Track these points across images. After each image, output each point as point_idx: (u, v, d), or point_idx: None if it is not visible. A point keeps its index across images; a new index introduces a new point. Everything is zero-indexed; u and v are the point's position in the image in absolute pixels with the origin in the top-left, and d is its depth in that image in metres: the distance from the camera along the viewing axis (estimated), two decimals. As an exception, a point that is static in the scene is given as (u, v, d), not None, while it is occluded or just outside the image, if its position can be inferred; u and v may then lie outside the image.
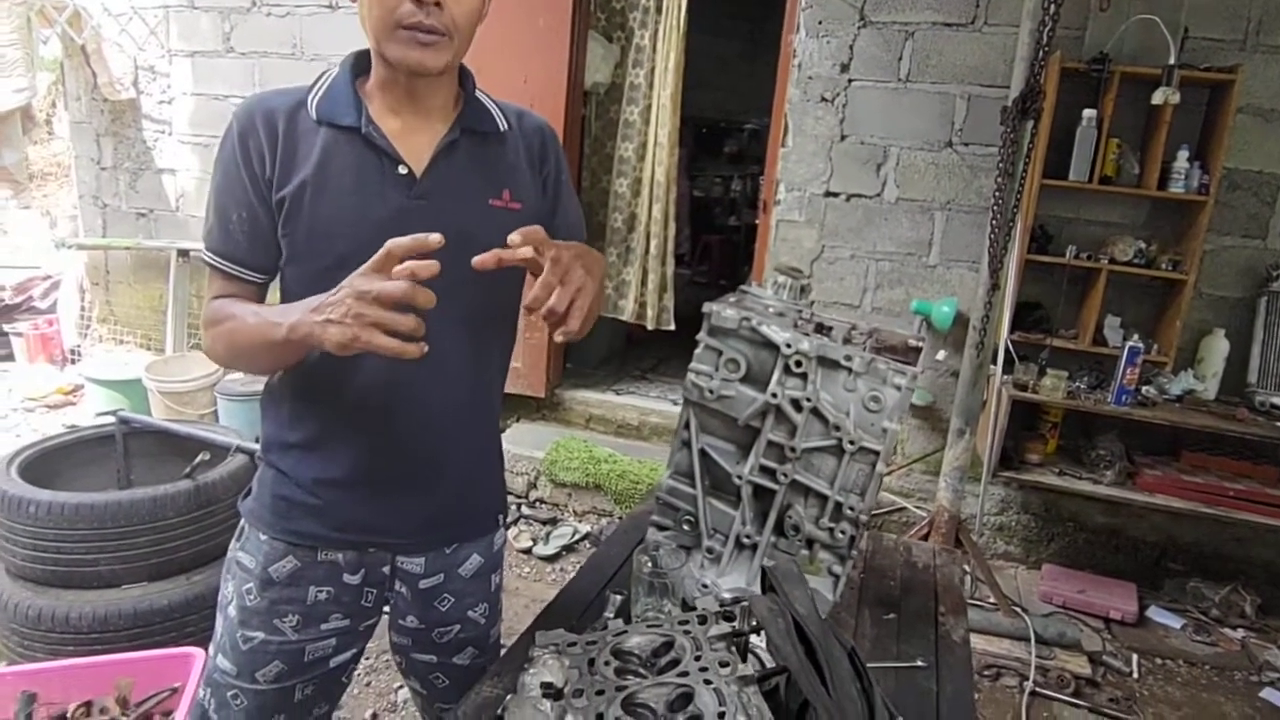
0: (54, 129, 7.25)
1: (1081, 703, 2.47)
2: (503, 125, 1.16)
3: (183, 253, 4.37)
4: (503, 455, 1.34)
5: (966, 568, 2.92)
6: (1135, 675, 2.64)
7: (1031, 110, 2.33)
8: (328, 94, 1.08)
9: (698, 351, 1.18)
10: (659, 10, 3.72)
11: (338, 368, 1.07)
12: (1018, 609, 2.81)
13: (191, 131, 4.43)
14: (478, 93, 1.17)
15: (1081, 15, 2.99)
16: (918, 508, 3.36)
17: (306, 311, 0.94)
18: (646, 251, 3.90)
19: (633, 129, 3.88)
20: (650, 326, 3.95)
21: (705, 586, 1.20)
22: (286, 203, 1.05)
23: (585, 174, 4.08)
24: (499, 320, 1.22)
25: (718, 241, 6.96)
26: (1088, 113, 2.91)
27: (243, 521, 1.22)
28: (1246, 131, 2.96)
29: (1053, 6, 2.16)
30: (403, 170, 1.07)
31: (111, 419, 2.55)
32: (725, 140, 7.24)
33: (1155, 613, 2.99)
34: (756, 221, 3.63)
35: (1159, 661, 2.74)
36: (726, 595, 1.19)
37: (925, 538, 2.76)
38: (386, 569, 1.22)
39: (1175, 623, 2.94)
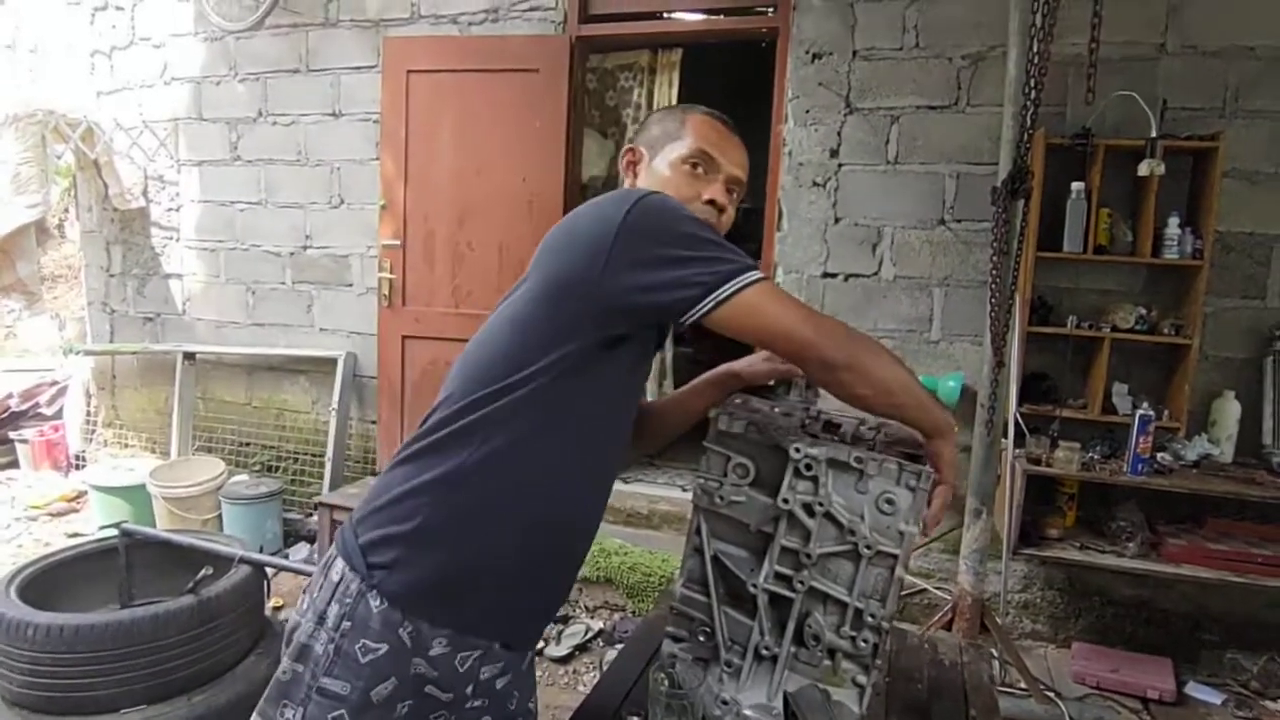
0: (65, 232, 7.43)
1: (1126, 794, 2.35)
2: None
3: (189, 355, 4.41)
4: None
5: (995, 652, 2.82)
6: (1181, 760, 2.52)
7: (1021, 190, 2.37)
8: None
9: (705, 458, 1.16)
10: (651, 106, 3.85)
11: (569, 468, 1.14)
12: (1051, 694, 2.70)
13: (198, 237, 4.53)
14: None
15: (1061, 93, 3.08)
16: (938, 588, 3.27)
17: (950, 424, 1.09)
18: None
19: (630, 219, 3.96)
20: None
21: (725, 703, 1.15)
22: None
23: (585, 263, 4.14)
24: None
25: (718, 320, 7.01)
26: (1076, 185, 2.96)
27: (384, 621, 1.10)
28: (1234, 195, 3.00)
29: (1033, 91, 2.23)
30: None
31: (114, 532, 2.52)
32: (722, 220, 7.41)
33: (1194, 689, 2.87)
34: (756, 303, 3.64)
35: (1203, 742, 2.62)
36: (749, 712, 1.14)
37: (949, 624, 2.67)
38: (488, 670, 1.18)
39: (1216, 699, 2.82)
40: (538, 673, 2.87)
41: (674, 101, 3.80)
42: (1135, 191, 3.02)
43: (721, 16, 3.64)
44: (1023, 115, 2.30)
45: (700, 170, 1.22)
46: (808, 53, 3.38)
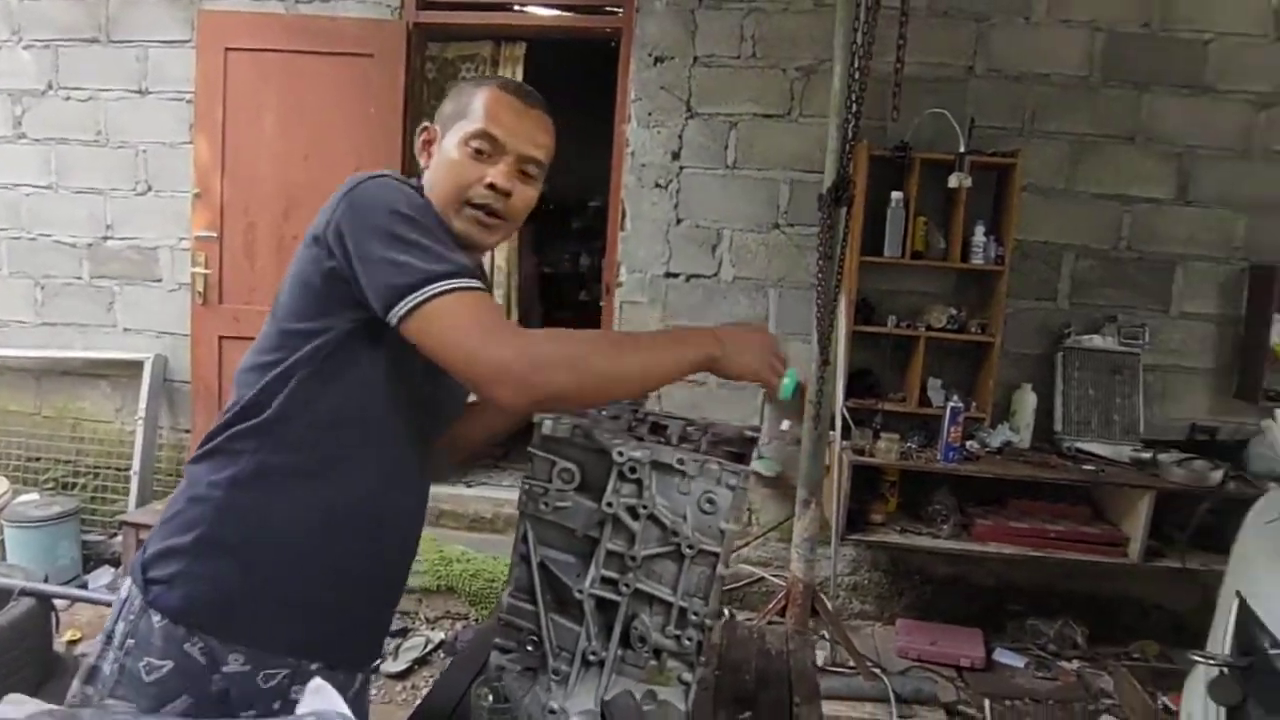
0: None
1: (943, 758, 2.54)
2: None
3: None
4: None
5: (825, 634, 2.97)
6: (988, 720, 2.75)
7: (843, 199, 2.50)
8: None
9: (530, 464, 1.13)
10: (493, 99, 3.76)
11: (344, 458, 1.09)
12: (876, 670, 2.87)
13: (-24, 224, 3.98)
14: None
15: (883, 107, 3.27)
16: (775, 576, 3.41)
17: (713, 340, 1.06)
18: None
19: (473, 214, 3.85)
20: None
21: (553, 712, 1.13)
22: None
23: (426, 259, 3.99)
24: None
25: (569, 318, 6.99)
26: (896, 194, 3.17)
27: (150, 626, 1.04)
28: (1031, 207, 3.32)
29: (854, 104, 2.35)
30: None
31: None
32: (571, 217, 7.37)
33: (1001, 654, 3.15)
34: (603, 302, 3.66)
35: (1009, 703, 2.87)
36: (576, 719, 1.12)
37: (783, 610, 2.79)
38: (278, 705, 1.09)
39: (1019, 662, 3.11)
40: (374, 691, 2.73)
41: (517, 96, 3.72)
42: (947, 202, 3.27)
43: (568, 13, 3.62)
44: (845, 127, 2.42)
45: (485, 151, 1.11)
46: (651, 55, 3.42)
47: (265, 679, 1.06)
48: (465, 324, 0.95)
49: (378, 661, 1.28)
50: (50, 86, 3.82)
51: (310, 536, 1.07)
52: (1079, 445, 3.24)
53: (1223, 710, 1.68)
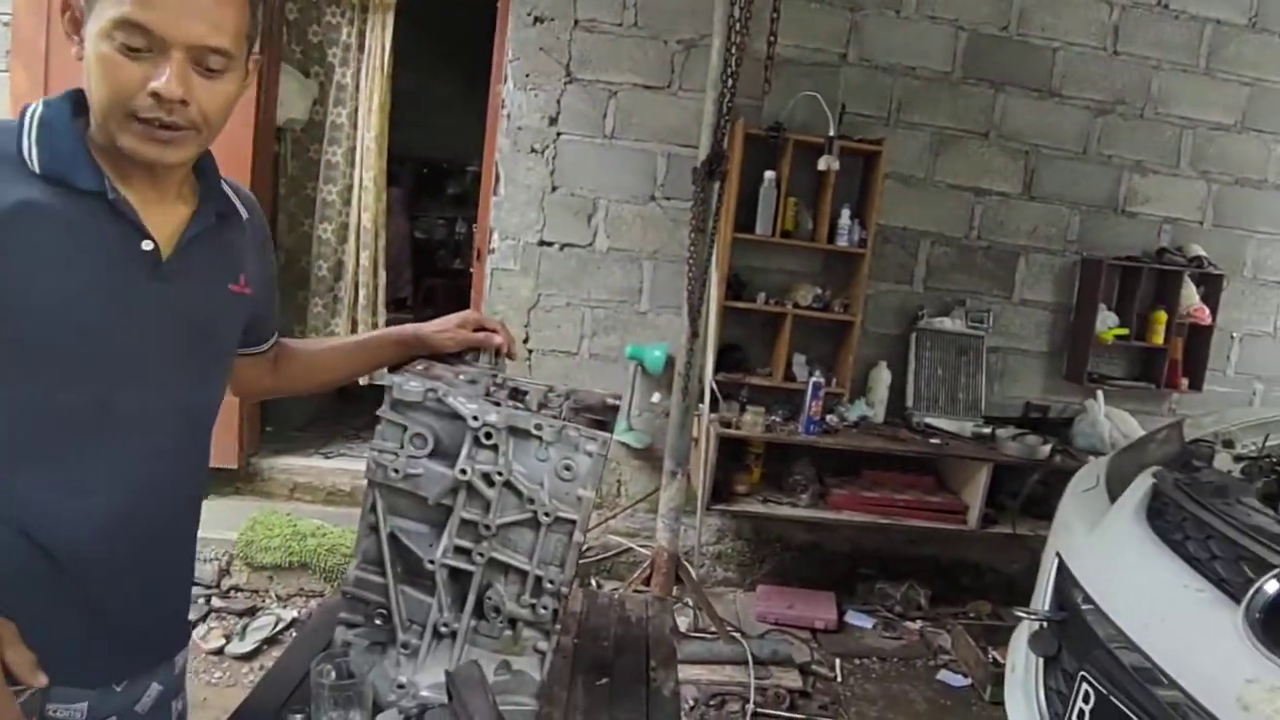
0: None
1: (797, 716, 2.65)
2: (244, 213, 1.09)
3: None
4: (194, 559, 1.16)
5: (689, 601, 3.04)
6: (839, 679, 2.90)
7: (717, 173, 2.53)
8: (48, 143, 0.88)
9: (380, 428, 1.07)
10: (361, 49, 3.54)
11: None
12: (736, 635, 2.97)
13: None
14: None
15: (759, 87, 3.33)
16: (642, 546, 3.45)
17: None
18: (355, 301, 3.66)
19: (336, 171, 3.64)
20: (362, 382, 3.67)
21: (401, 686, 1.08)
22: None
23: (282, 217, 3.74)
24: (214, 416, 1.10)
25: (441, 285, 6.78)
26: (768, 174, 3.24)
27: None
28: (893, 194, 3.48)
29: (730, 80, 2.37)
30: (148, 246, 0.92)
31: None
32: (448, 181, 7.12)
33: (852, 616, 3.33)
34: (474, 269, 3.55)
35: (858, 662, 3.04)
36: (425, 693, 1.08)
37: (648, 579, 2.83)
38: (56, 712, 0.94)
39: (868, 623, 3.29)
40: (218, 674, 2.57)
41: (388, 47, 3.52)
42: (817, 184, 3.37)
43: (441, -37, 3.45)
44: (721, 101, 2.44)
45: (138, 47, 0.83)
46: (530, 15, 3.32)
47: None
48: None
49: (176, 666, 1.12)
50: None
51: None
52: (928, 420, 3.46)
53: (1041, 660, 1.84)
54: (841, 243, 3.33)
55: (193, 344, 1.00)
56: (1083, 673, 1.60)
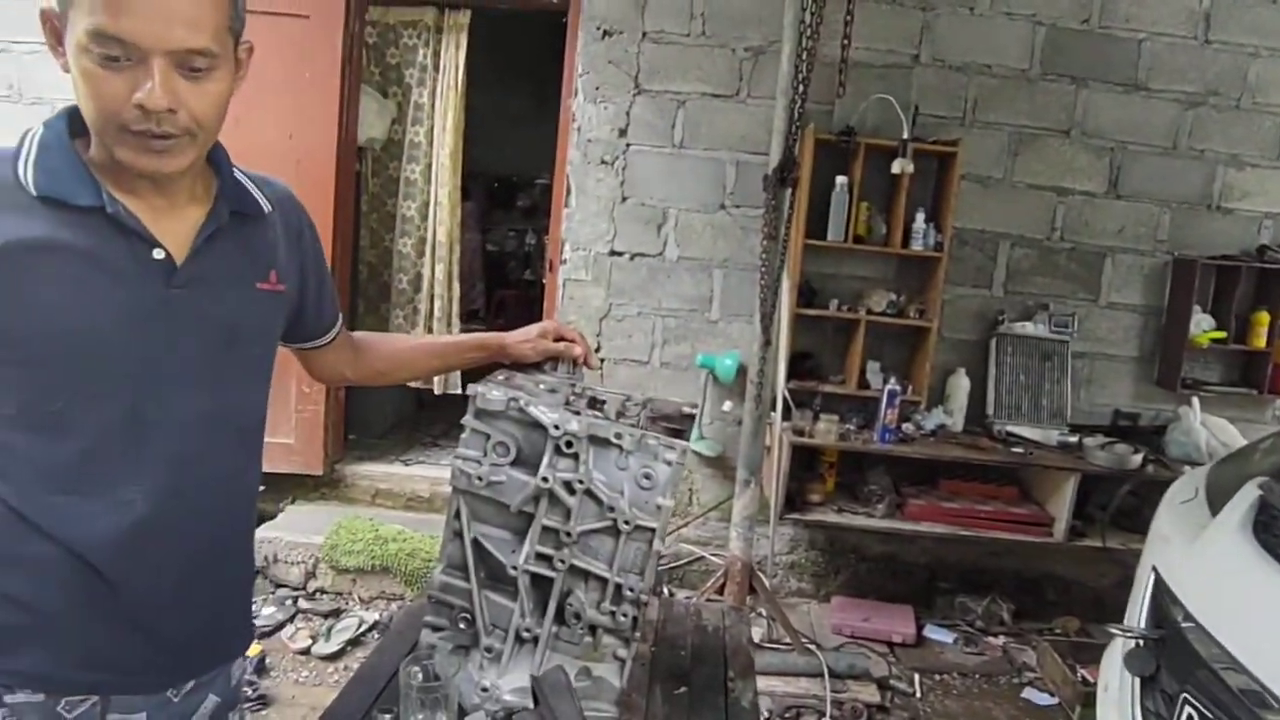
0: None
1: (873, 731, 2.60)
2: (266, 207, 1.04)
3: None
4: (254, 568, 1.18)
5: (762, 611, 3.01)
6: (918, 695, 2.83)
7: (788, 179, 2.51)
8: (44, 165, 0.88)
9: (464, 436, 1.10)
10: (436, 69, 3.66)
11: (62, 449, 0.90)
12: (811, 646, 2.93)
13: None
14: (236, 172, 1.02)
15: (830, 92, 3.29)
16: (715, 555, 3.44)
17: None
18: (431, 313, 3.77)
19: (414, 187, 3.77)
20: (438, 391, 3.79)
21: (485, 690, 1.11)
22: None
23: (364, 232, 3.89)
24: (261, 418, 1.10)
25: (512, 296, 6.91)
26: (840, 179, 3.20)
27: None
28: (970, 196, 3.39)
29: (801, 85, 2.35)
30: (159, 255, 0.91)
31: None
32: (518, 195, 7.26)
33: (931, 630, 3.24)
34: (546, 280, 3.61)
35: (937, 677, 2.96)
36: (508, 697, 1.10)
37: (722, 589, 2.81)
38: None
39: (948, 638, 3.20)
40: (305, 673, 2.67)
41: (461, 66, 3.63)
42: (890, 188, 3.31)
43: (513, -18, 3.54)
44: (792, 108, 2.42)
45: (117, 57, 0.81)
46: (599, 29, 3.37)
47: (69, 707, 0.94)
48: None
49: (234, 677, 1.12)
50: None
51: (20, 552, 0.91)
52: (1009, 428, 3.34)
53: (1137, 680, 1.75)
54: (916, 247, 3.26)
55: (219, 348, 0.97)
56: (1185, 695, 1.52)
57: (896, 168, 3.10)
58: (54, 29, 0.86)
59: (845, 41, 2.26)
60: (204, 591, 1.03)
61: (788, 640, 2.93)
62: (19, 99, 3.59)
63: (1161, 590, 1.74)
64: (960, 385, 3.41)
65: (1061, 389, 3.43)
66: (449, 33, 3.63)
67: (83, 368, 0.90)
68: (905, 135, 3.13)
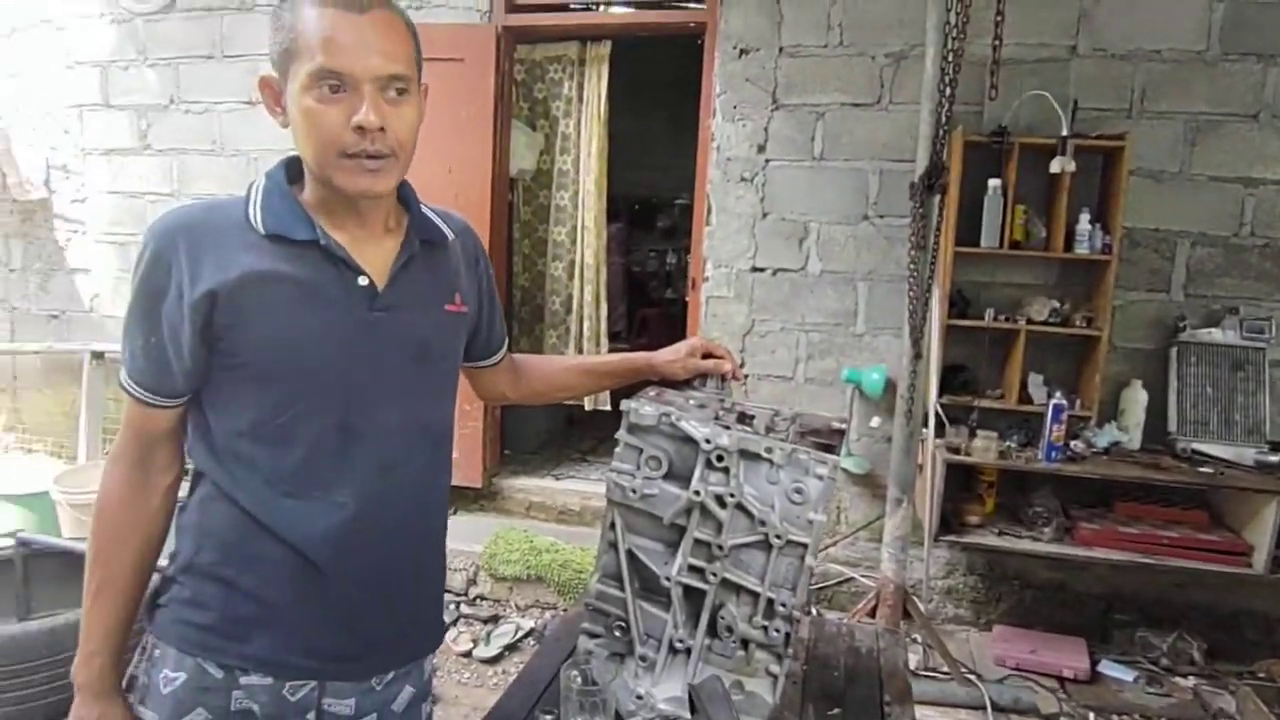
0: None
1: (1043, 771, 2.43)
2: (449, 236, 1.17)
3: (97, 355, 4.19)
4: (445, 569, 1.28)
5: (917, 637, 2.88)
6: (1093, 735, 2.62)
7: (936, 186, 2.42)
8: (269, 208, 1.03)
9: (618, 450, 1.15)
10: (580, 99, 3.82)
11: (294, 472, 1.03)
12: (972, 676, 2.77)
13: (107, 230, 4.31)
14: (422, 206, 1.15)
15: (978, 92, 3.15)
16: (865, 576, 3.33)
17: (82, 685, 1.05)
18: (580, 333, 3.91)
19: (564, 213, 3.95)
20: (588, 407, 3.91)
21: (640, 698, 1.14)
22: (229, 322, 0.99)
23: (517, 258, 4.10)
24: (450, 427, 1.21)
25: (654, 315, 7.02)
26: (993, 182, 3.05)
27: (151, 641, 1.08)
28: (1141, 192, 3.13)
29: (948, 89, 2.27)
30: (363, 282, 1.04)
31: (10, 542, 2.37)
32: (657, 216, 7.39)
33: (1107, 666, 2.99)
34: (688, 298, 3.66)
35: (1116, 718, 2.72)
36: (663, 706, 1.13)
37: (873, 611, 2.72)
38: (311, 716, 1.09)
39: (1128, 675, 2.94)
40: (466, 675, 2.82)
41: (604, 96, 3.77)
42: (1048, 188, 3.12)
43: (650, 10, 3.64)
44: (938, 112, 2.35)
45: (335, 89, 0.95)
46: (735, 48, 3.40)
47: (292, 690, 1.06)
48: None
49: (425, 671, 1.21)
50: (172, 101, 4.10)
51: (235, 556, 1.04)
52: (1195, 446, 3.04)
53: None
54: (1081, 250, 3.04)
55: (416, 365, 1.09)
56: None
57: (1056, 167, 2.92)
58: (273, 92, 1.02)
59: (996, 42, 2.16)
60: (404, 587, 1.13)
61: (945, 669, 2.79)
62: (220, 152, 4.07)
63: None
64: (1136, 399, 3.14)
65: (1257, 402, 3.08)
66: (591, 64, 3.78)
67: (304, 384, 1.02)
68: (1064, 132, 2.95)
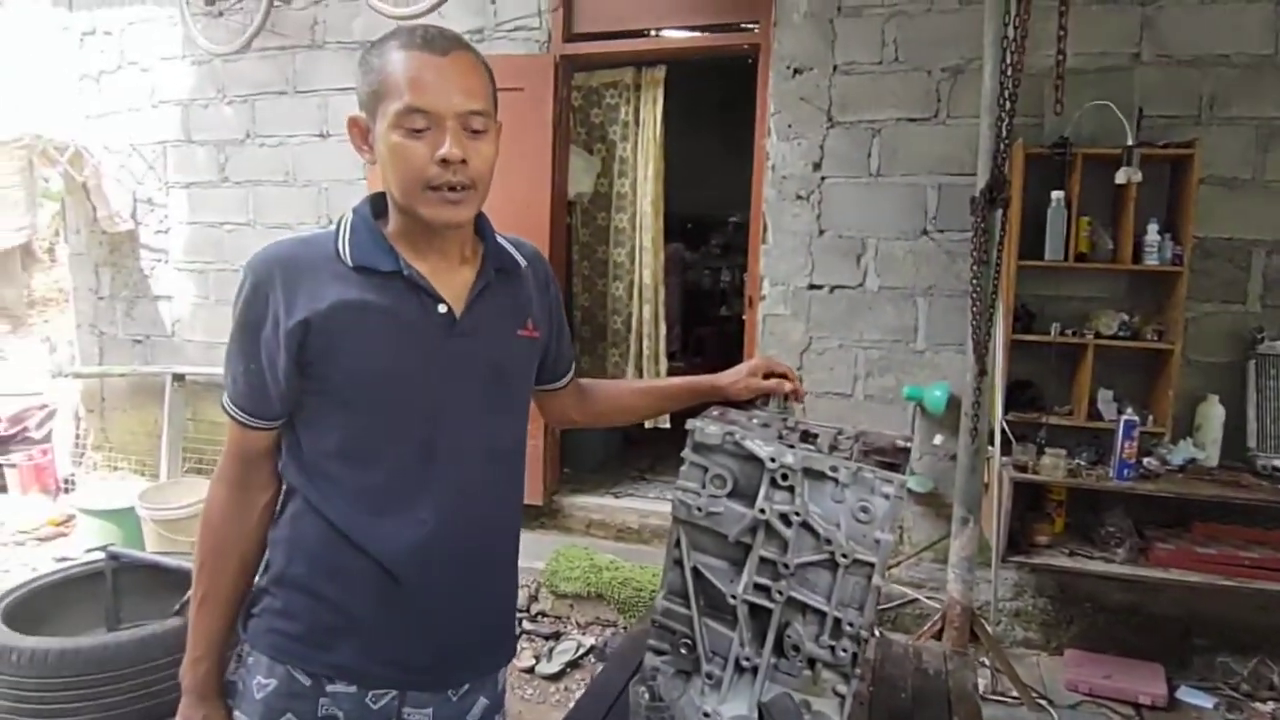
0: (55, 255, 7.42)
1: (1120, 800, 2.34)
2: (522, 263, 1.22)
3: (178, 377, 4.40)
4: (518, 585, 1.32)
5: (985, 660, 2.82)
6: (1173, 764, 2.52)
7: (998, 200, 2.40)
8: (357, 241, 1.09)
9: (683, 469, 1.17)
10: (637, 123, 3.89)
11: (373, 493, 1.09)
12: (1043, 702, 2.70)
13: (187, 258, 4.54)
14: (497, 236, 1.21)
15: (1038, 104, 3.11)
16: (930, 598, 3.27)
17: (188, 688, 1.13)
18: (640, 353, 3.96)
19: (623, 235, 4.03)
20: (646, 425, 3.95)
21: (706, 715, 1.15)
22: (320, 348, 1.06)
23: (576, 279, 4.18)
24: (523, 447, 1.26)
25: (709, 333, 7.02)
26: (1056, 194, 2.99)
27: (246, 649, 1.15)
28: (1212, 201, 3.03)
29: (1008, 102, 2.26)
30: (443, 309, 1.10)
31: (101, 555, 2.51)
32: (712, 234, 7.41)
33: (1185, 693, 2.87)
34: (745, 316, 3.67)
35: (1195, 747, 2.62)
36: (729, 723, 1.14)
37: (939, 633, 2.67)
38: (417, 715, 1.15)
39: (1207, 702, 2.82)
40: (529, 691, 2.86)
41: (659, 119, 3.82)
42: (1114, 199, 3.05)
43: (704, 33, 3.68)
44: (998, 125, 2.33)
45: (420, 127, 1.02)
46: (789, 68, 3.42)
47: (374, 699, 1.11)
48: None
49: (499, 683, 1.26)
50: (248, 135, 4.31)
51: (326, 571, 1.09)
52: (1277, 463, 2.91)
53: None
54: (1150, 261, 2.96)
55: (492, 387, 1.14)
56: None
57: (1121, 177, 2.85)
58: (361, 132, 1.09)
59: (1060, 56, 2.14)
60: (480, 601, 1.18)
61: (1015, 694, 2.72)
62: (293, 182, 4.25)
63: None
64: (1213, 414, 3.02)
65: (1346, 417, 2.94)
66: (646, 89, 3.84)
67: (389, 407, 1.08)
68: (1129, 141, 2.88)
